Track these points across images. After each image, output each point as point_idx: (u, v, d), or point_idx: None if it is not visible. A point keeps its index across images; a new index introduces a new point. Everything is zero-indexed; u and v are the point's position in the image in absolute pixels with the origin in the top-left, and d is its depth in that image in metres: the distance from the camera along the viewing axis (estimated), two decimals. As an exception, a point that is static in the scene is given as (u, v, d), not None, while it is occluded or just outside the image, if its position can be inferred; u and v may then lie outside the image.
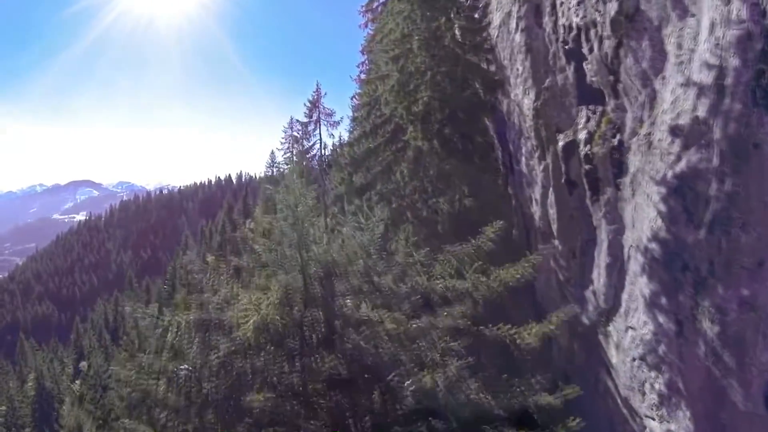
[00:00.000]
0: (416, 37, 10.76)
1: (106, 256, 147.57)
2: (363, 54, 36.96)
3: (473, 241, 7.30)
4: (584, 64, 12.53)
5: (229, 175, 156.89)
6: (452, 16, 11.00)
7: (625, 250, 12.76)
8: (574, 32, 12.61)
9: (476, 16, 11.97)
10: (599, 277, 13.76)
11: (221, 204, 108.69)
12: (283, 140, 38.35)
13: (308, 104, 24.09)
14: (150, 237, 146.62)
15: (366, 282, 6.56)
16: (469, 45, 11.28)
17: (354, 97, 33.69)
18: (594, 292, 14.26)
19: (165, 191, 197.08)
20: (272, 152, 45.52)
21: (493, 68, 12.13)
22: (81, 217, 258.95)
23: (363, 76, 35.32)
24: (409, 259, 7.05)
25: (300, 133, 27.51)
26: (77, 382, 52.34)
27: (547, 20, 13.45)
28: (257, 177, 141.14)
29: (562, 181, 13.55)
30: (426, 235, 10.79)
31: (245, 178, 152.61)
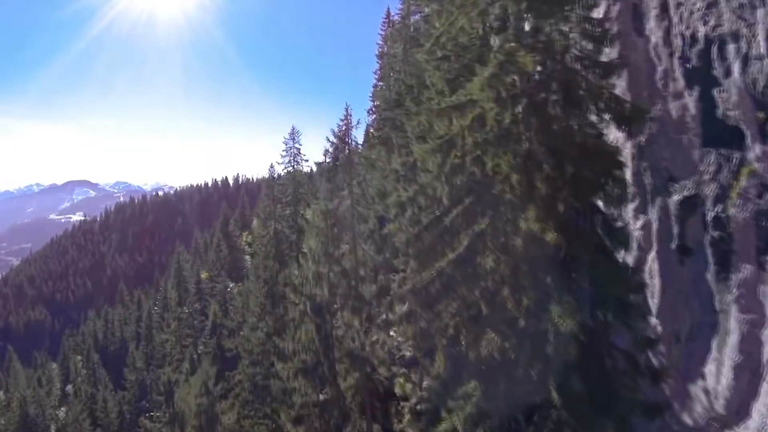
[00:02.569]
0: (505, 45, 6.99)
1: (100, 259, 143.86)
2: (379, 59, 33.02)
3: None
4: (715, 90, 8.95)
5: (226, 177, 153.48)
6: (565, 14, 7.10)
7: (766, 350, 9.26)
8: (700, 45, 9.03)
9: (598, 16, 8.28)
10: (719, 374, 10.23)
11: (218, 206, 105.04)
12: (284, 153, 34.61)
13: (334, 140, 17.85)
14: (145, 240, 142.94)
15: None
16: (590, 61, 7.50)
17: (370, 110, 29.64)
18: (706, 391, 10.74)
19: (162, 192, 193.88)
20: (271, 165, 41.53)
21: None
22: (78, 217, 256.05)
23: (381, 85, 31.36)
24: None
25: (325, 182, 20.15)
26: (62, 409, 48.92)
27: (653, 26, 9.86)
28: (254, 179, 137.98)
29: (673, 246, 10.01)
30: (525, 361, 6.99)
31: (242, 180, 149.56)
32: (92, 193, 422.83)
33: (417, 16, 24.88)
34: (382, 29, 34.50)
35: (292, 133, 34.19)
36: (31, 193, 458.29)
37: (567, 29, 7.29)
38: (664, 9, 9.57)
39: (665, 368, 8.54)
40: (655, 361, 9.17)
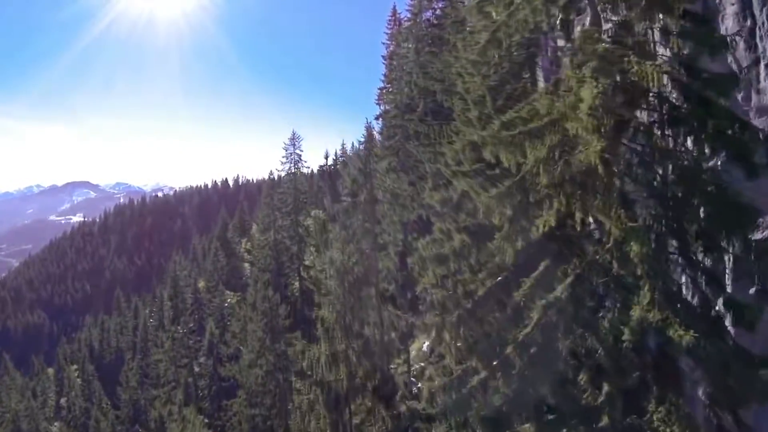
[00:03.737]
0: (595, 47, 5.22)
1: (99, 262, 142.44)
2: (386, 60, 31.08)
3: None
4: (820, 103, 7.28)
5: (226, 179, 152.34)
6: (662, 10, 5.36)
7: None
8: (800, 48, 7.35)
9: (702, 13, 6.60)
10: (807, 445, 8.56)
11: (218, 208, 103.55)
12: (284, 159, 33.05)
13: (357, 163, 14.05)
14: (145, 243, 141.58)
15: None
16: (700, 71, 5.74)
17: (379, 118, 27.73)
18: (787, 460, 9.06)
19: (162, 193, 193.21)
20: (271, 172, 40.09)
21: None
22: (78, 218, 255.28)
23: (388, 88, 29.49)
24: None
25: (340, 228, 14.27)
26: (56, 424, 47.38)
27: (730, 26, 8.18)
28: (254, 180, 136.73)
29: (752, 290, 8.33)
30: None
31: (242, 182, 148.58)
32: (92, 194, 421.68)
33: (428, 14, 23.10)
34: (387, 28, 32.64)
35: (293, 139, 32.67)
36: (31, 194, 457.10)
37: (669, 28, 5.63)
38: (745, 6, 7.86)
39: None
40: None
